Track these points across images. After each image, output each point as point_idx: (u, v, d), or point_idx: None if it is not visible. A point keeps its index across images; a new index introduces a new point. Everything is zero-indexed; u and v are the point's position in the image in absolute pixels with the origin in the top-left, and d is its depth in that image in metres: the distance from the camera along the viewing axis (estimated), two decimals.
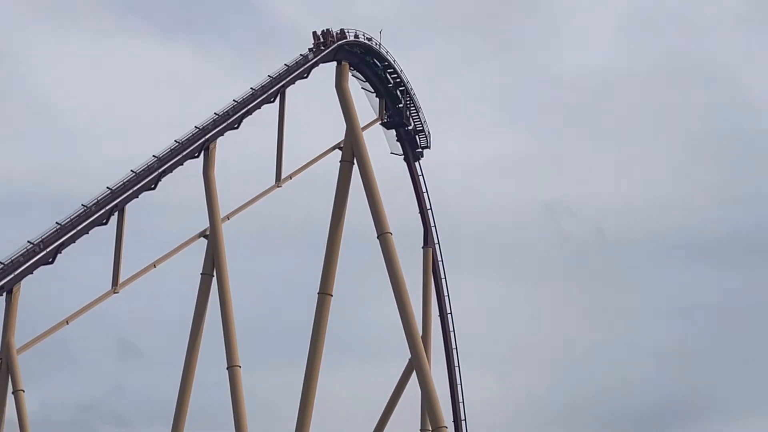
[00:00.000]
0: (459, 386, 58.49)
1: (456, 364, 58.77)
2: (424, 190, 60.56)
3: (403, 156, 60.88)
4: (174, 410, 50.53)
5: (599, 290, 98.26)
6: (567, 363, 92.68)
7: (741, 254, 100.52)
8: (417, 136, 60.93)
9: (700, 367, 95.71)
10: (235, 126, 52.37)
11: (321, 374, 49.49)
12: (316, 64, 54.76)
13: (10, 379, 45.46)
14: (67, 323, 47.12)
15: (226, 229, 51.87)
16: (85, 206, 47.50)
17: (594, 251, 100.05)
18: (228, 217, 52.46)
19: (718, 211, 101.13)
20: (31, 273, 45.30)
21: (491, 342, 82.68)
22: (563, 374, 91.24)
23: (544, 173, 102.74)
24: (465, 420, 58.39)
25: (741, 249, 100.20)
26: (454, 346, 59.03)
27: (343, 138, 53.15)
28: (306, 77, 54.71)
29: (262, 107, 53.38)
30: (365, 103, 59.82)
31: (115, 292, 48.04)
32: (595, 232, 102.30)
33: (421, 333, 50.94)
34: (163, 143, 50.91)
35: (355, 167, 51.50)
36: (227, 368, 49.47)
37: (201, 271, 51.62)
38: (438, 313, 59.16)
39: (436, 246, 59.92)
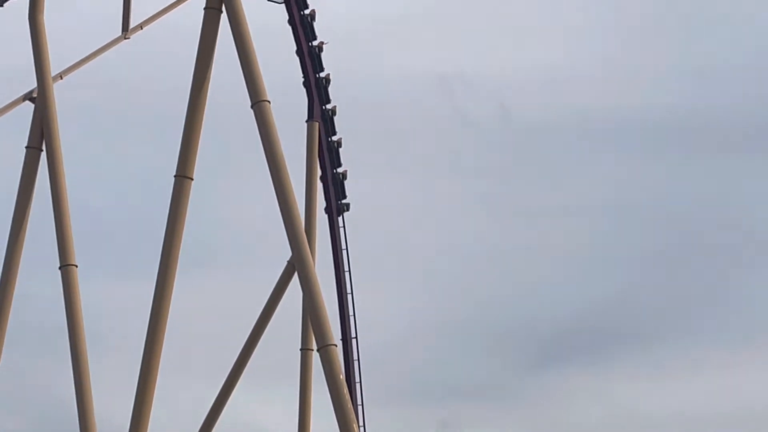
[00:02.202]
0: (349, 296, 51.18)
1: (346, 268, 51.22)
2: (308, 50, 52.02)
3: (283, 3, 51.85)
4: None
5: (505, 180, 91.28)
6: (469, 270, 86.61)
7: (681, 142, 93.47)
8: None
9: (624, 276, 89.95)
10: None
11: (178, 280, 41.61)
12: None
13: None
14: None
15: (58, 91, 45.72)
16: None
17: (497, 133, 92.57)
18: (61, 76, 46.55)
19: (651, 90, 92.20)
20: None
21: (383, 244, 76.58)
22: (464, 284, 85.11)
23: (436, 41, 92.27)
24: (356, 338, 50.93)
25: (680, 136, 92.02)
26: (343, 247, 51.32)
27: None
28: None
29: None
30: None
31: None
32: (497, 111, 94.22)
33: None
34: None
35: (224, 17, 42.31)
36: (60, 268, 43.93)
37: (26, 144, 45.33)
38: (324, 206, 51.58)
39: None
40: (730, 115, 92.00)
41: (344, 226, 51.54)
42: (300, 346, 48.74)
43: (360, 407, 49.53)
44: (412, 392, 78.22)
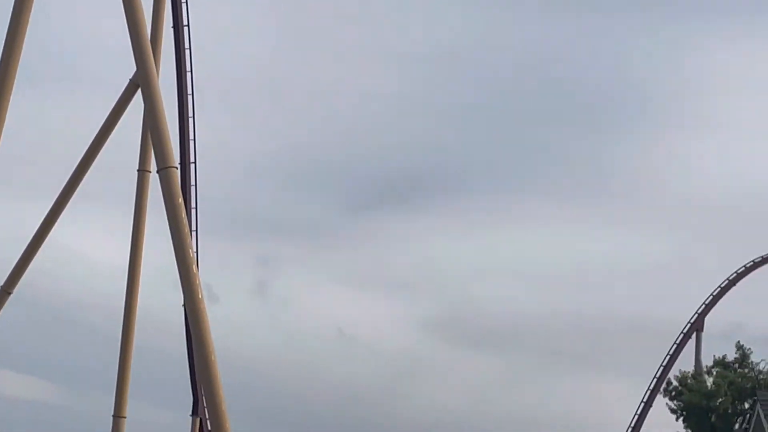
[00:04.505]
0: (191, 120, 47.79)
1: (189, 92, 47.71)
2: None
3: None
4: None
5: (336, 23, 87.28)
6: (295, 112, 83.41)
7: None
8: None
9: (441, 127, 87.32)
10: None
11: (15, 93, 37.38)
12: None
13: None
14: None
15: None
16: None
17: None
18: None
19: None
20: None
21: (231, 76, 72.61)
22: (289, 124, 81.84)
23: None
24: (195, 162, 48.12)
25: None
26: (188, 69, 47.76)
27: None
28: None
29: None
30: None
31: None
32: None
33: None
34: None
35: None
36: None
37: None
38: (171, 24, 47.41)
39: None
40: None
41: (190, 48, 48.11)
42: (137, 167, 44.28)
43: (194, 233, 47.21)
44: (235, 225, 74.83)
